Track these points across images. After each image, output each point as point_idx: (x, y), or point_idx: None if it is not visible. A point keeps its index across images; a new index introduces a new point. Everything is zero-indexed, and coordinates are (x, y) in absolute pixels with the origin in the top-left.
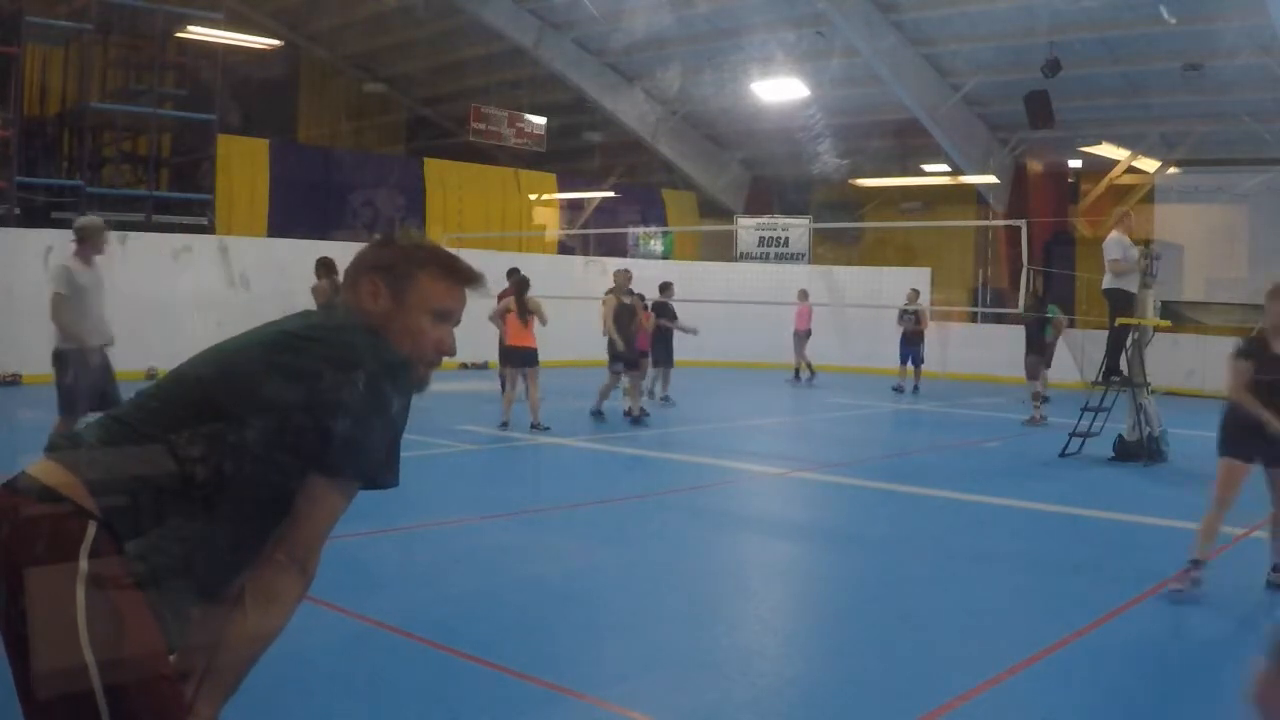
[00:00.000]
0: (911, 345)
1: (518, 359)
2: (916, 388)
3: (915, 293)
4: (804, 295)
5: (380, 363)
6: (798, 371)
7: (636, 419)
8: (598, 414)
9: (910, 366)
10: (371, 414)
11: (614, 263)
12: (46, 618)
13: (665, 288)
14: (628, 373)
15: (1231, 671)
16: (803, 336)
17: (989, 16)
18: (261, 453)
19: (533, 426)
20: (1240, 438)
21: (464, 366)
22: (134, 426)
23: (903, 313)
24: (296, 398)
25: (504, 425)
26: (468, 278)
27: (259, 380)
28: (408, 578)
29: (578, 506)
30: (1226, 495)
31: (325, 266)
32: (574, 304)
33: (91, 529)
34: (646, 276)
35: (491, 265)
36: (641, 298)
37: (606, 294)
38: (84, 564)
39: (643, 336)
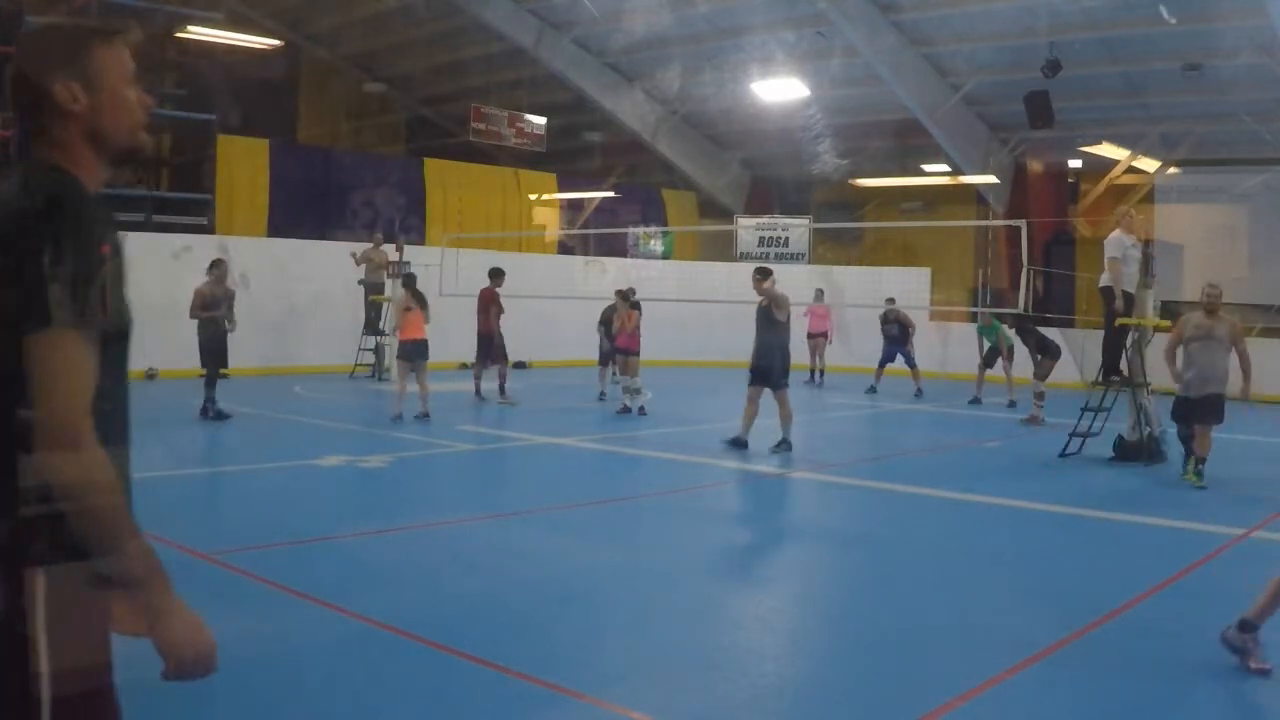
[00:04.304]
0: (894, 346)
1: (421, 352)
2: (873, 388)
3: (891, 300)
4: (819, 295)
5: (49, 195)
6: (813, 373)
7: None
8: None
9: (882, 369)
10: (59, 253)
11: (612, 262)
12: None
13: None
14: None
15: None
16: (818, 339)
17: (989, 16)
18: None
19: (423, 415)
20: None
21: (463, 366)
22: None
23: (885, 315)
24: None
25: (399, 418)
26: (127, 27)
27: None
28: (408, 578)
29: (577, 506)
30: None
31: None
32: (573, 304)
33: None
34: (647, 276)
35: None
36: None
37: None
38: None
39: (627, 336)
